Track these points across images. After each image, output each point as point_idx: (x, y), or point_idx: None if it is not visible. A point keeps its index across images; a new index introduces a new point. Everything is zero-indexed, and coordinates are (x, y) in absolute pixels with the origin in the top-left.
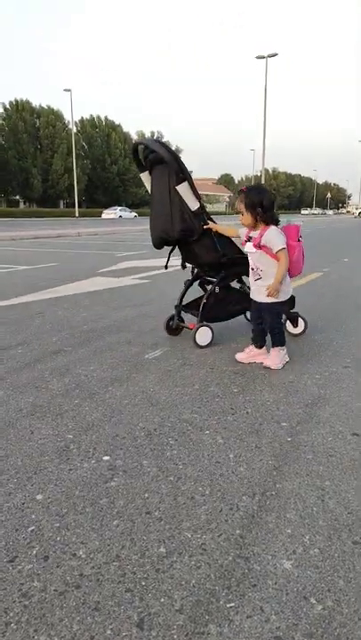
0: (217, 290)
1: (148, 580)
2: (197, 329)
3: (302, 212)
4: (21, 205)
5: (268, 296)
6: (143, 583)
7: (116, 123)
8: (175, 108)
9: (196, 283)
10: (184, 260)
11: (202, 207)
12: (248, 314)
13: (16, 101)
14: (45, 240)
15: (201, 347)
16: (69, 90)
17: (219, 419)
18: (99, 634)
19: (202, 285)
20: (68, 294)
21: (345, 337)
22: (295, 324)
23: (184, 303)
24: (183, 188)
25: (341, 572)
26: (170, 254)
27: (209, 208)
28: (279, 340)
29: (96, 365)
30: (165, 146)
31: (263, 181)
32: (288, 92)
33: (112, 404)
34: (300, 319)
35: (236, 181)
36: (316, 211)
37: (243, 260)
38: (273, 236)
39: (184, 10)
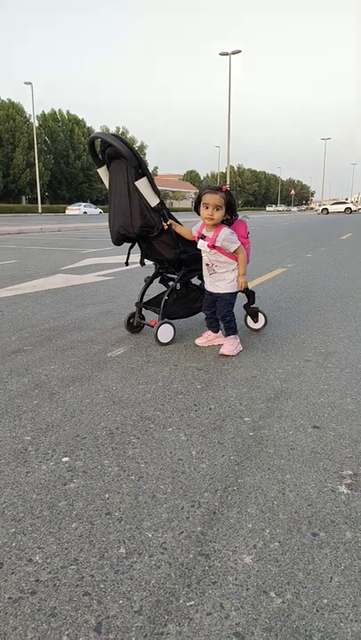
0: (178, 287)
1: (107, 582)
2: (159, 326)
3: (267, 208)
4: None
5: (240, 288)
6: (102, 586)
7: (80, 117)
8: (140, 103)
9: (157, 280)
10: (143, 257)
11: (161, 203)
12: None
13: None
14: (5, 237)
15: (163, 344)
16: (30, 83)
17: (182, 415)
18: None
19: (163, 282)
20: (29, 292)
21: (307, 331)
22: (255, 319)
23: (145, 300)
24: (142, 184)
25: (301, 565)
26: (129, 251)
27: (175, 204)
28: (232, 329)
29: (57, 365)
30: (124, 140)
31: (228, 178)
32: (253, 89)
33: (73, 404)
34: (260, 314)
35: (202, 178)
36: (281, 207)
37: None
38: (227, 238)
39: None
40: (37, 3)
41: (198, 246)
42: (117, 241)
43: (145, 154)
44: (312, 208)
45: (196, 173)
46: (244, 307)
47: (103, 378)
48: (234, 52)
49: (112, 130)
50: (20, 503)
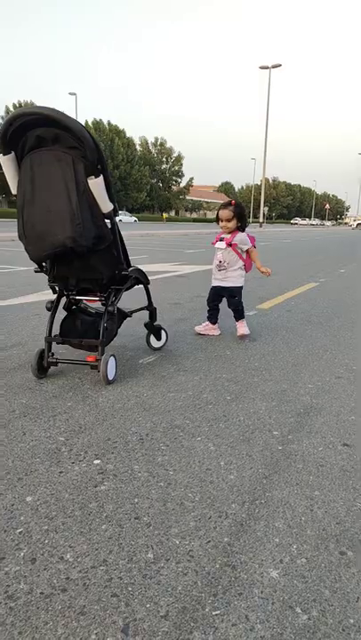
0: (114, 310)
1: (135, 585)
2: (107, 361)
3: (298, 221)
4: None
5: (267, 274)
6: (130, 588)
7: (120, 128)
8: (176, 115)
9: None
10: (61, 277)
11: (115, 210)
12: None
13: (19, 103)
14: None
15: (111, 382)
16: (74, 94)
17: (211, 426)
18: (83, 638)
19: (67, 308)
20: None
21: (338, 347)
22: (158, 337)
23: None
24: (97, 184)
25: (328, 583)
26: (52, 269)
27: (209, 215)
28: (242, 314)
29: (90, 368)
30: (82, 125)
31: (263, 190)
32: (291, 102)
33: (105, 408)
34: (162, 331)
35: (236, 189)
36: (315, 221)
37: (133, 273)
38: (242, 240)
39: (187, 18)
40: (82, 18)
41: (216, 246)
42: (49, 256)
43: (182, 164)
44: (346, 223)
45: (230, 185)
46: (146, 325)
47: (134, 384)
48: (274, 66)
49: (150, 140)
50: (53, 502)
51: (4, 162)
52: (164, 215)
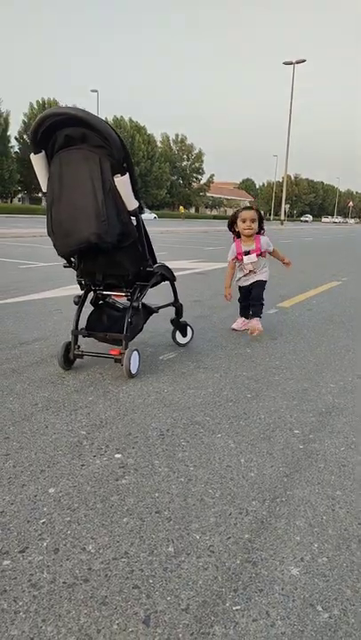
0: (139, 305)
1: (156, 578)
2: (130, 355)
3: (323, 219)
4: (43, 203)
5: (287, 263)
6: (151, 581)
7: (141, 124)
8: (197, 112)
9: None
10: (88, 272)
11: (140, 207)
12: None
13: (43, 100)
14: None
15: (134, 376)
16: (96, 90)
17: (231, 423)
18: (105, 627)
19: (94, 303)
20: None
21: None
22: (184, 333)
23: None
24: (123, 182)
25: (349, 582)
26: (78, 264)
27: (229, 212)
28: (261, 311)
29: (111, 363)
30: (109, 124)
31: (285, 188)
32: (314, 98)
33: (126, 403)
34: (188, 328)
35: (258, 186)
36: (338, 219)
37: (159, 270)
38: (268, 242)
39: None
40: (95, 19)
41: (245, 261)
42: (75, 252)
43: (202, 161)
44: None
45: (251, 182)
46: (172, 321)
47: (155, 380)
48: (298, 62)
49: (171, 137)
50: (75, 494)
51: (35, 160)
52: (182, 209)
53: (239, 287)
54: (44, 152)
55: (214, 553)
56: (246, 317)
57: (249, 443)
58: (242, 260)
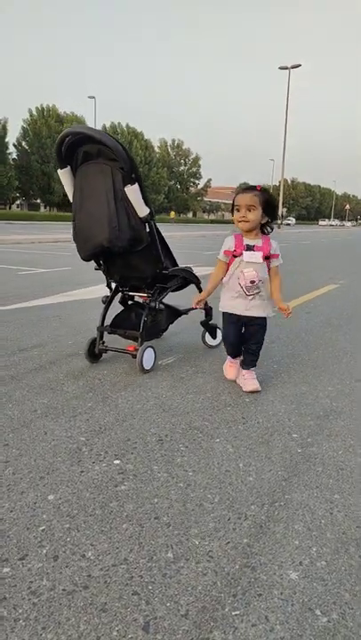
0: (157, 306)
1: (155, 584)
2: (143, 351)
3: (319, 222)
4: (42, 209)
5: (284, 310)
6: (150, 587)
7: (138, 130)
8: (193, 116)
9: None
10: (112, 274)
11: (151, 213)
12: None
13: (42, 107)
14: (65, 244)
15: (147, 371)
16: (93, 97)
17: (230, 427)
18: (105, 634)
19: (123, 302)
20: (86, 298)
21: (359, 350)
22: (214, 336)
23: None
24: (133, 191)
25: (348, 586)
26: (106, 268)
27: (227, 216)
28: (257, 361)
29: (110, 370)
30: (116, 139)
31: (282, 191)
32: (310, 102)
33: (124, 409)
34: (217, 330)
35: None
36: (335, 222)
37: (180, 273)
38: (278, 249)
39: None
40: (96, 20)
41: (246, 259)
42: (92, 256)
43: (200, 165)
44: None
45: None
46: (202, 323)
47: (153, 385)
48: (293, 67)
49: (169, 142)
50: (75, 500)
51: (61, 175)
52: (172, 214)
53: (227, 314)
54: (69, 167)
55: (213, 558)
56: (239, 359)
57: (247, 447)
58: (241, 254)
